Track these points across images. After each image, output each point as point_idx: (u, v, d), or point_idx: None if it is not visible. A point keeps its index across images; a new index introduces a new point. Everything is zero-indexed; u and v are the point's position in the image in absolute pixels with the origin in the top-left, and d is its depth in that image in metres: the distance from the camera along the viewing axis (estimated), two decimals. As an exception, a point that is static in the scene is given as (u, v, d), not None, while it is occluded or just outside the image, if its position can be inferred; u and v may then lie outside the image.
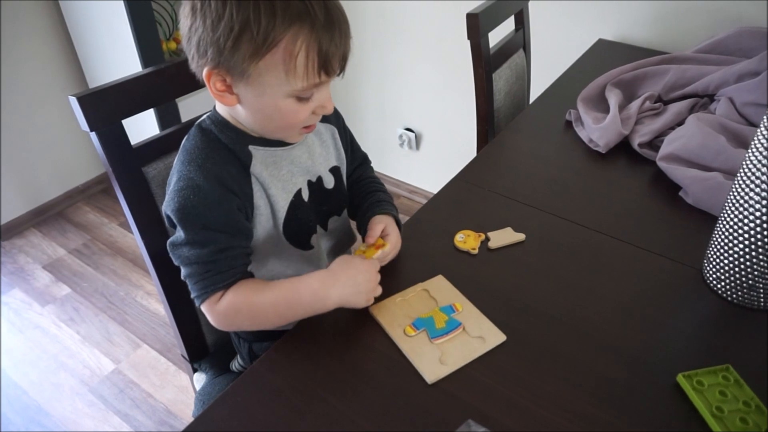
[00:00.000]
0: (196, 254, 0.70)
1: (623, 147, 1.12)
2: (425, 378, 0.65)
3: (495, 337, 0.70)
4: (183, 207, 0.69)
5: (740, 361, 0.68)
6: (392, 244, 0.80)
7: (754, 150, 0.70)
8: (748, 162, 0.71)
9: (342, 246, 0.93)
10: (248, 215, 0.76)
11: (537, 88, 1.47)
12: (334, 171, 0.86)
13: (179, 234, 0.71)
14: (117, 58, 1.89)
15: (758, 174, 0.69)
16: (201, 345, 1.03)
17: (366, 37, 2.08)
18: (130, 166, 0.84)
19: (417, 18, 1.91)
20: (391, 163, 2.35)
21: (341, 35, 0.65)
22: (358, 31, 2.08)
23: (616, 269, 0.84)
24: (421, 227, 0.91)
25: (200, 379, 1.01)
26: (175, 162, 0.74)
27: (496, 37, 1.41)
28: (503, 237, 0.88)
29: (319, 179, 0.83)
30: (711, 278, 0.80)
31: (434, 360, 0.67)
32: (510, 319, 0.74)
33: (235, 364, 0.99)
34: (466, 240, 0.87)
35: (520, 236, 0.88)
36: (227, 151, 0.73)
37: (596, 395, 0.65)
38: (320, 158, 0.83)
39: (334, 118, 0.87)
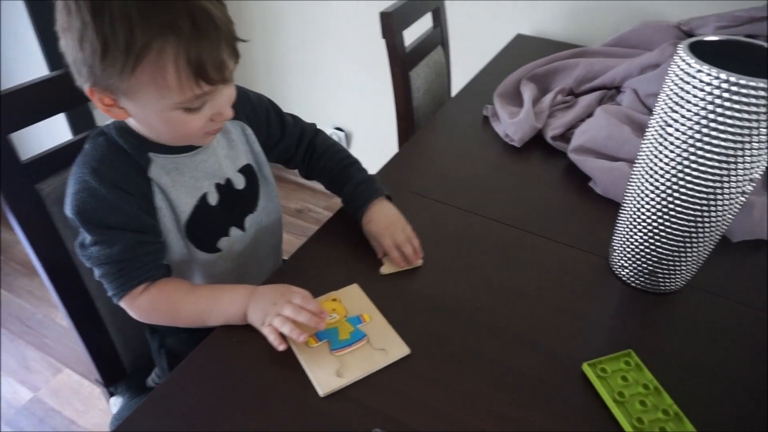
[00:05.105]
0: (106, 254, 0.71)
1: (538, 140, 1.14)
2: (318, 390, 0.64)
3: (398, 349, 0.69)
4: (82, 210, 0.70)
5: (643, 345, 0.70)
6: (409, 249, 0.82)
7: (648, 139, 0.73)
8: (643, 151, 0.74)
9: (264, 245, 0.91)
10: (151, 215, 0.75)
11: (458, 85, 1.49)
12: (246, 170, 0.84)
13: (85, 235, 0.71)
14: (20, 62, 1.77)
15: (651, 164, 0.71)
16: (117, 367, 0.98)
17: (288, 37, 2.04)
18: (19, 183, 0.78)
19: (336, 17, 1.89)
20: (323, 163, 2.31)
21: (213, 42, 0.62)
22: (279, 31, 2.04)
23: (530, 263, 0.85)
24: (338, 230, 0.90)
25: (117, 402, 0.96)
26: (73, 165, 0.73)
27: (414, 34, 1.41)
28: (397, 264, 0.82)
29: (228, 182, 0.82)
30: (616, 266, 0.82)
31: (331, 372, 0.65)
32: (426, 320, 0.74)
33: (152, 380, 0.95)
34: None
35: (416, 262, 0.82)
36: (125, 154, 0.73)
37: (512, 392, 0.65)
38: (227, 160, 0.82)
39: (250, 112, 0.85)
